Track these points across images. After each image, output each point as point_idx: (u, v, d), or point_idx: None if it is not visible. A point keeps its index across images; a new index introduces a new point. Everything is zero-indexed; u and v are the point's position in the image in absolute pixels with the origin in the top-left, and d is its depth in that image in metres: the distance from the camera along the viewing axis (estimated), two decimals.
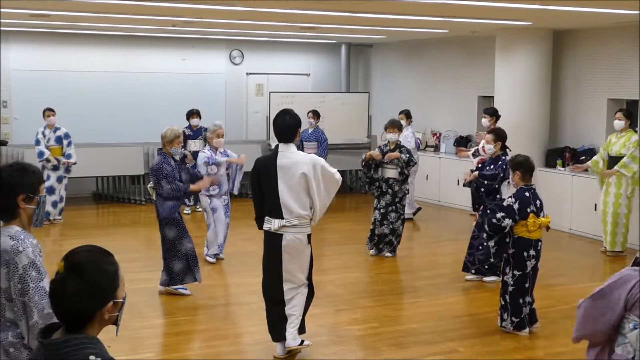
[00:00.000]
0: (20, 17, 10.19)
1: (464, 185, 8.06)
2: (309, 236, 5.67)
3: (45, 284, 3.21)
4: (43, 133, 10.95)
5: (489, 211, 6.65)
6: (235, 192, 8.86)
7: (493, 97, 11.79)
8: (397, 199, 8.83)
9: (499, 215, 6.20)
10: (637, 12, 8.18)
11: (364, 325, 6.65)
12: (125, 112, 13.59)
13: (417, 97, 14.24)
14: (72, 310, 2.24)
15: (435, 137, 13.73)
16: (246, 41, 14.49)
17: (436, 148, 13.60)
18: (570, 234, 10.52)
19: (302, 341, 5.81)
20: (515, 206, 6.16)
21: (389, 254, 8.98)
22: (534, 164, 6.48)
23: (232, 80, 14.67)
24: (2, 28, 11.77)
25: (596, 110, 10.77)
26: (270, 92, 13.98)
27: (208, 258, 8.71)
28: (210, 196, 8.52)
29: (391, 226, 8.86)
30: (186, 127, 11.68)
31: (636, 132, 9.49)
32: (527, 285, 6.28)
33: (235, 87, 14.72)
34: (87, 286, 2.23)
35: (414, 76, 14.47)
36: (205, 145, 8.78)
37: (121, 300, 2.34)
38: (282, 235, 5.55)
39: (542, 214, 6.29)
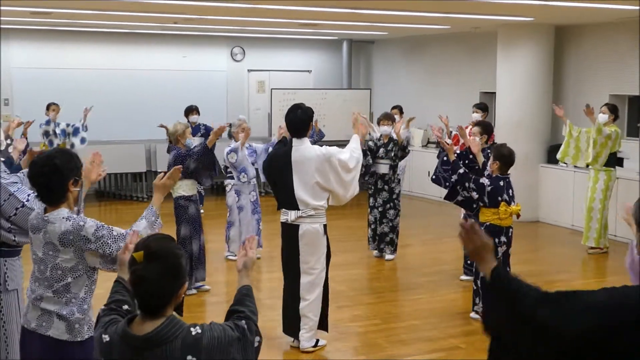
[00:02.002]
0: (21, 15, 10.19)
1: (439, 153, 7.64)
2: (325, 226, 5.74)
3: (117, 229, 3.45)
4: (47, 127, 10.96)
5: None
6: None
7: (495, 93, 11.78)
8: (394, 195, 8.71)
9: (472, 185, 6.33)
10: (639, 7, 8.16)
11: (365, 321, 6.66)
12: (126, 109, 13.59)
13: (418, 93, 14.22)
14: (158, 294, 2.44)
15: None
16: (247, 38, 14.47)
17: (438, 144, 13.56)
18: (572, 230, 10.50)
19: (317, 341, 5.88)
20: (487, 189, 6.30)
21: (390, 256, 8.81)
22: (515, 158, 6.53)
23: (233, 77, 14.66)
24: (3, 26, 11.77)
25: (598, 106, 10.72)
26: (271, 89, 13.98)
27: (229, 256, 8.61)
28: (238, 192, 8.38)
29: (390, 224, 8.72)
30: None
31: None
32: None
33: (237, 84, 14.71)
34: (169, 269, 2.46)
35: (416, 72, 14.45)
36: (231, 140, 8.63)
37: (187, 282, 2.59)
38: (298, 225, 5.64)
39: (513, 203, 6.41)
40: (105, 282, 3.46)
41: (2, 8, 8.89)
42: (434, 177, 7.45)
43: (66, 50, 13.27)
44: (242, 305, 2.73)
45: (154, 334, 2.43)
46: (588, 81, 11.03)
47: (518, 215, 6.48)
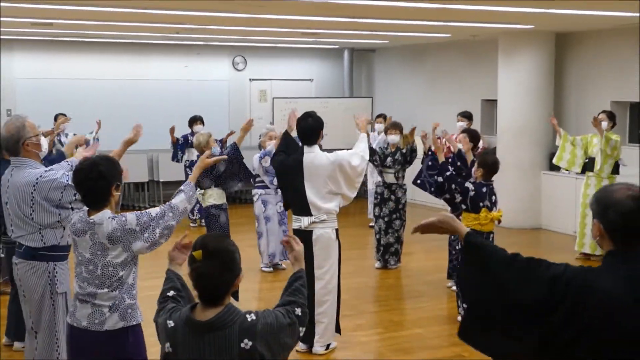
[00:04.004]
0: (23, 25, 10.23)
1: (426, 154, 7.61)
2: (337, 231, 5.90)
3: (154, 209, 3.78)
4: (58, 138, 10.96)
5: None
6: None
7: (496, 100, 11.80)
8: (400, 205, 8.67)
9: (457, 187, 6.42)
10: (638, 14, 8.18)
11: (369, 330, 6.66)
12: (129, 119, 13.48)
13: (420, 101, 14.24)
14: (217, 286, 2.74)
15: (440, 141, 13.71)
16: (249, 47, 14.51)
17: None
18: (574, 236, 10.45)
19: (329, 345, 6.02)
20: (470, 193, 6.40)
21: (394, 265, 8.82)
22: (499, 167, 6.61)
23: (235, 86, 14.68)
24: (6, 37, 11.81)
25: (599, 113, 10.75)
26: (273, 98, 14.01)
27: (263, 267, 8.66)
28: (265, 202, 8.41)
29: (396, 234, 8.70)
30: (189, 134, 11.67)
31: None
32: None
33: (239, 93, 14.73)
34: (226, 264, 2.75)
35: (417, 80, 14.47)
36: (260, 150, 8.62)
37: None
38: (311, 231, 5.80)
39: (495, 209, 6.49)
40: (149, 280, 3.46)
41: (3, 19, 8.93)
42: (418, 181, 7.25)
43: (68, 61, 13.30)
44: (298, 293, 3.02)
45: (215, 319, 2.72)
46: (589, 88, 11.05)
47: (499, 221, 6.57)
